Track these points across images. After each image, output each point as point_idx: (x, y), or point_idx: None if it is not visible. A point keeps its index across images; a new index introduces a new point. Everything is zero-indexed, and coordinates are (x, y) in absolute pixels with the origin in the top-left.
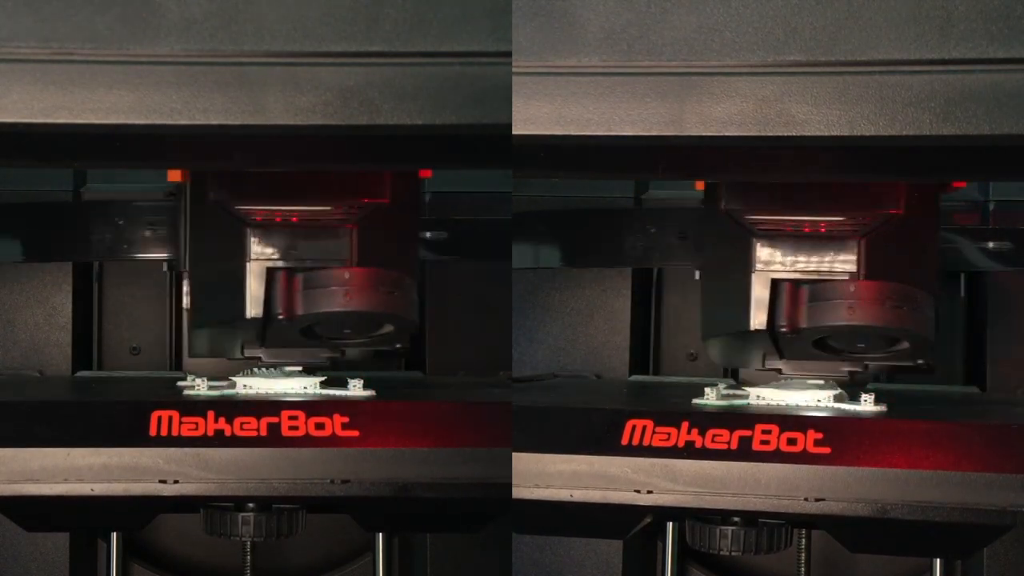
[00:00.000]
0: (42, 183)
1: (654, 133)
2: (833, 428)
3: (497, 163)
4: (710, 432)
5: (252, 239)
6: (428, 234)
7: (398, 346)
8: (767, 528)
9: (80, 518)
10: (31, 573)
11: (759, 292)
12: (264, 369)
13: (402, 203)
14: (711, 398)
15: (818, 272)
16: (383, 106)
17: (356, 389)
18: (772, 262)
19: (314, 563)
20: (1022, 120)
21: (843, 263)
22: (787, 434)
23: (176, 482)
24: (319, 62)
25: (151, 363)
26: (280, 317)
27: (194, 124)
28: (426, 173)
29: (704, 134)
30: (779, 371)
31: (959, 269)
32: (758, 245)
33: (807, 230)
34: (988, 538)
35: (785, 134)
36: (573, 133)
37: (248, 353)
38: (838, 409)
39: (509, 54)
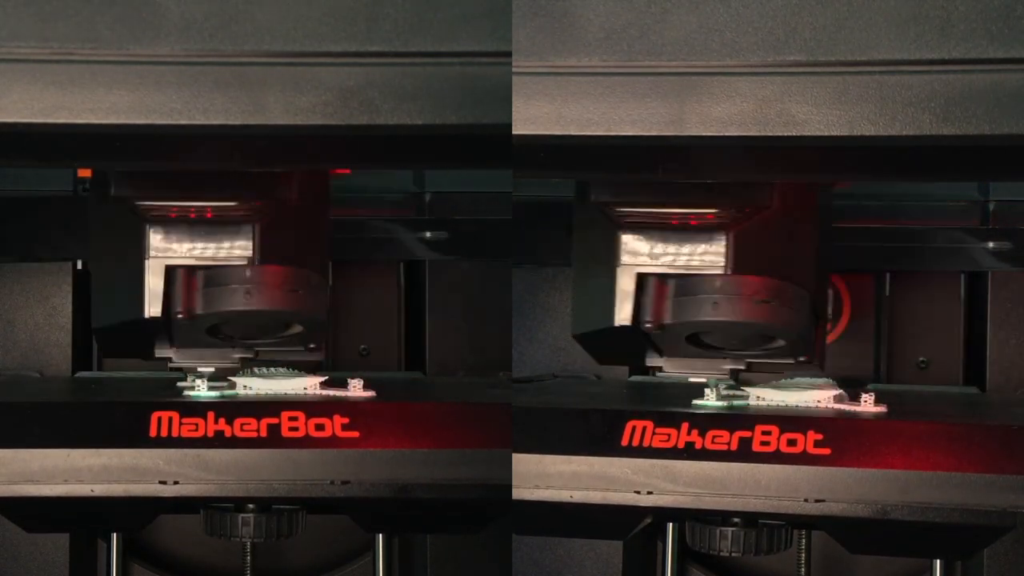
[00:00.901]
0: (42, 183)
1: (654, 133)
2: (833, 429)
3: (497, 163)
4: (710, 433)
5: (152, 236)
6: (428, 234)
7: (311, 347)
8: (767, 529)
9: (80, 519)
10: (31, 573)
11: (625, 286)
12: (264, 369)
13: (312, 201)
14: (711, 399)
15: (687, 266)
16: (383, 106)
17: (356, 390)
18: (639, 255)
19: (314, 563)
20: (1022, 120)
21: (712, 256)
22: (787, 435)
23: (176, 483)
24: (319, 62)
25: (151, 363)
26: (179, 316)
27: (194, 124)
28: (343, 170)
29: (704, 134)
30: (659, 369)
31: (959, 269)
32: (625, 238)
33: (675, 223)
34: (988, 539)
35: (785, 134)
36: (573, 133)
37: (159, 354)
38: (838, 410)
39: (509, 54)
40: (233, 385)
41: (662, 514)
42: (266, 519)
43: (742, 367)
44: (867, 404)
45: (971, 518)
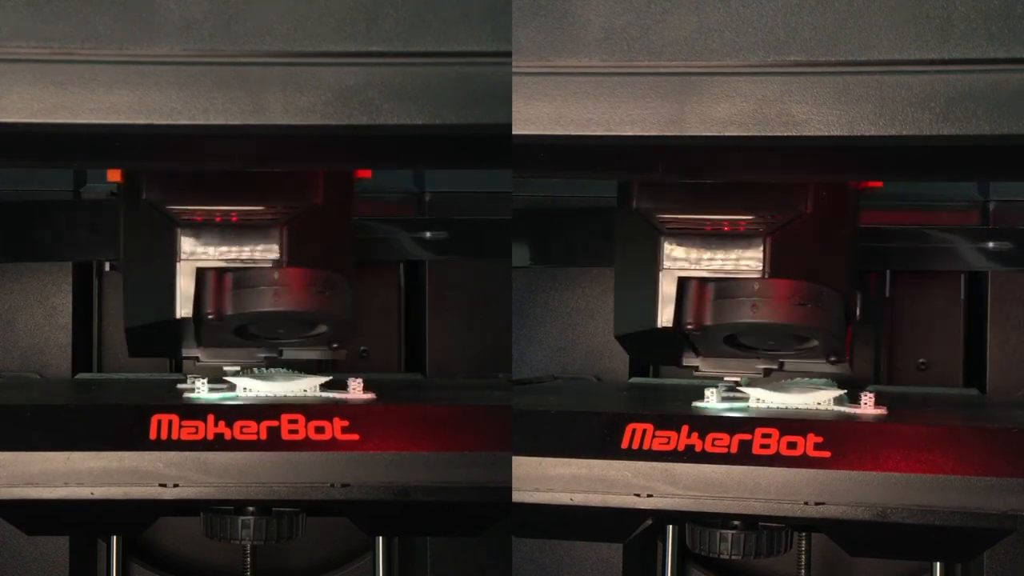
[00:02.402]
0: (42, 183)
1: (654, 133)
2: (833, 432)
3: (497, 163)
4: (710, 436)
5: (183, 239)
6: (428, 234)
7: (335, 346)
8: (767, 532)
9: (80, 522)
10: (31, 573)
11: (667, 289)
12: (264, 370)
13: (335, 204)
14: (711, 401)
15: (725, 270)
16: (383, 106)
17: (356, 392)
18: (680, 260)
19: (314, 563)
20: (1022, 120)
21: (749, 261)
22: (787, 438)
23: (176, 486)
24: (319, 62)
25: (152, 364)
26: (209, 317)
27: (194, 124)
28: (365, 173)
29: (704, 134)
30: (696, 368)
31: (959, 269)
32: (666, 243)
33: (710, 229)
34: (988, 542)
35: (785, 134)
36: (573, 133)
37: (186, 353)
38: (838, 412)
39: (509, 54)
40: (233, 387)
41: (662, 517)
42: (266, 522)
43: (775, 367)
44: (867, 406)
45: (971, 521)
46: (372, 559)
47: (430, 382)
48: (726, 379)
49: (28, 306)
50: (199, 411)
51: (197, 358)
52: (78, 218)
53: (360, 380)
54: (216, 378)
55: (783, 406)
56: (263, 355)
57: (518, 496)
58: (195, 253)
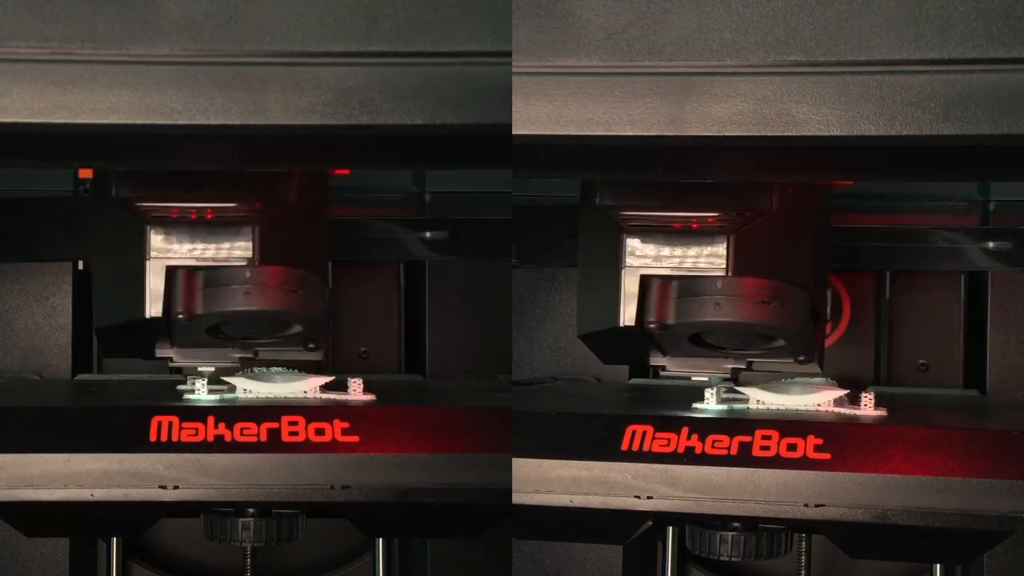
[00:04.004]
0: (42, 183)
1: (654, 133)
2: (833, 433)
3: (497, 163)
4: (710, 438)
5: (153, 236)
6: (428, 234)
7: (311, 347)
8: (767, 533)
9: (80, 523)
10: (32, 572)
11: (629, 287)
12: (263, 370)
13: (310, 202)
14: (711, 402)
15: (688, 268)
16: (383, 106)
17: (356, 393)
18: (643, 257)
19: (314, 563)
20: (1022, 120)
21: (713, 258)
22: (787, 439)
23: (176, 487)
24: (319, 62)
25: (152, 365)
26: (180, 317)
27: (194, 124)
28: (342, 171)
29: (704, 134)
30: (663, 368)
31: (959, 269)
32: (629, 240)
33: (677, 226)
34: (988, 544)
35: (785, 134)
36: (573, 133)
37: (160, 353)
38: (838, 414)
39: (509, 54)
40: (233, 388)
41: (662, 518)
42: (266, 523)
43: (743, 366)
44: (867, 407)
45: (971, 523)
46: (372, 560)
47: (430, 383)
48: (693, 379)
49: (28, 306)
50: (199, 413)
51: (170, 359)
52: (78, 218)
53: (360, 381)
54: (215, 379)
55: (783, 407)
56: (238, 355)
57: (518, 498)
58: (165, 251)
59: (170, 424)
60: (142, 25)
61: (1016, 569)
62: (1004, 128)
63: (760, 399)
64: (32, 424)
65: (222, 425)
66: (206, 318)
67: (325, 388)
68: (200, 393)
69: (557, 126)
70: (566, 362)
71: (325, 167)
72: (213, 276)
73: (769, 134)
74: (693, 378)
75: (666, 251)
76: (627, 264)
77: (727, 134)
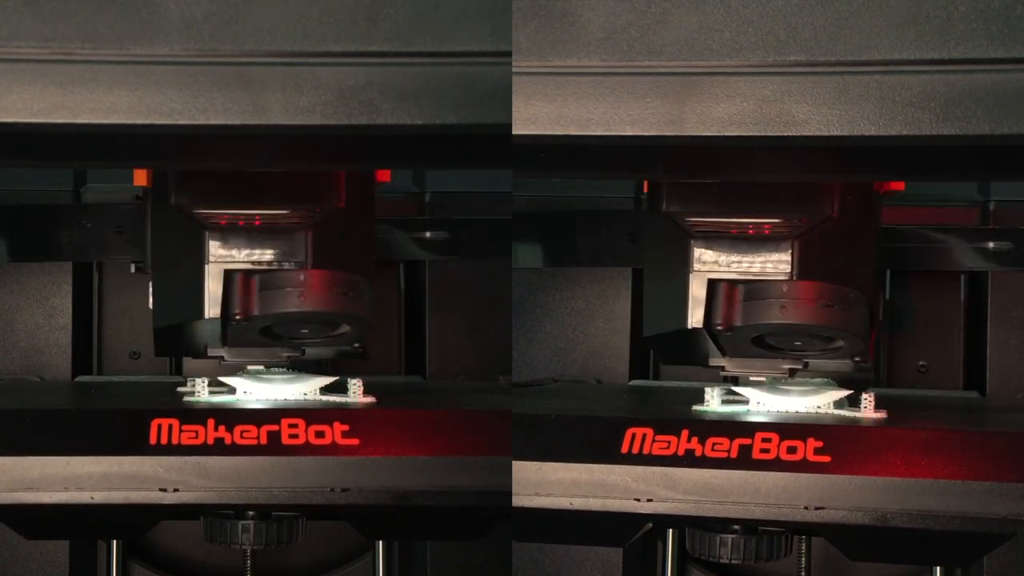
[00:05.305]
0: (42, 183)
1: (654, 133)
2: (833, 436)
3: (497, 163)
4: (710, 440)
5: (211, 242)
6: (428, 234)
7: (356, 346)
8: (767, 536)
9: (80, 526)
10: (32, 573)
11: (696, 291)
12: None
13: (358, 206)
14: (711, 404)
15: (753, 272)
16: (383, 106)
17: (356, 395)
18: (709, 262)
19: (314, 564)
20: (1022, 120)
21: (778, 263)
22: (787, 442)
23: (176, 490)
24: (319, 62)
25: (153, 366)
26: (237, 318)
27: (194, 124)
28: (384, 176)
29: (704, 134)
30: (722, 368)
31: (959, 269)
32: (696, 246)
33: (735, 232)
34: (988, 546)
35: (785, 134)
36: (573, 133)
37: (211, 353)
38: (838, 416)
39: (509, 54)
40: (233, 390)
41: (662, 521)
42: (266, 526)
43: (800, 367)
44: (867, 410)
45: (971, 526)
46: (372, 562)
47: (430, 385)
48: (752, 379)
49: (28, 306)
50: (199, 415)
51: (222, 357)
52: (78, 218)
53: (360, 382)
54: (215, 381)
55: (783, 409)
56: (286, 354)
57: (518, 500)
58: (223, 256)
59: (170, 427)
60: (142, 25)
61: (1016, 572)
62: (1004, 128)
63: (760, 401)
64: (32, 427)
65: (222, 428)
66: (262, 319)
67: (325, 389)
68: (200, 395)
69: (557, 126)
70: (566, 362)
71: (325, 167)
72: (268, 279)
73: (769, 134)
74: (752, 378)
75: (731, 257)
76: (694, 269)
77: (727, 134)
